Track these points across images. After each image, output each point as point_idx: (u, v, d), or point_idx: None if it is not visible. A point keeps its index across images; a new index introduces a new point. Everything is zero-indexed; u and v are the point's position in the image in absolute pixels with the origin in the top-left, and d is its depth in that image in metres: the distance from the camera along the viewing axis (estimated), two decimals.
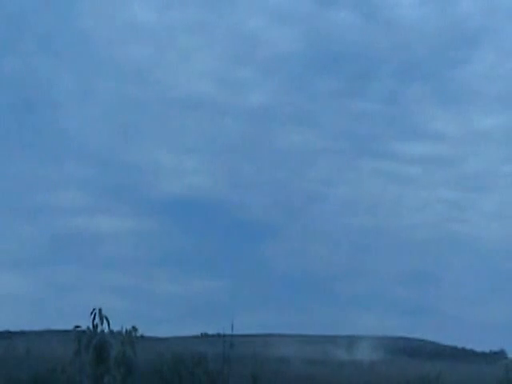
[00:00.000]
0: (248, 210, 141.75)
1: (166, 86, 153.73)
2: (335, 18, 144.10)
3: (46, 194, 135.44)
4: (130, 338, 18.20)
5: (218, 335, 66.16)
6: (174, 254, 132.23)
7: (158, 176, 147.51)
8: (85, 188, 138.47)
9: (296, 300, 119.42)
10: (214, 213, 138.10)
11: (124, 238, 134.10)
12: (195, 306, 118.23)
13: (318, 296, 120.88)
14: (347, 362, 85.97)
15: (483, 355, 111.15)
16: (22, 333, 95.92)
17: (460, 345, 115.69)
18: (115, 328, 18.71)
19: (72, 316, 60.65)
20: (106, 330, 18.57)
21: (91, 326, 18.38)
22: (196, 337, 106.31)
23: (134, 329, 18.39)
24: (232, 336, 42.99)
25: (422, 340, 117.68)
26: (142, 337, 19.34)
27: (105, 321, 18.47)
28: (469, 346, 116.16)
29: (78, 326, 18.39)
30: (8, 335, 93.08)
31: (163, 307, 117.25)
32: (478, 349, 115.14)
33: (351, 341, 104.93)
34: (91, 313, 18.45)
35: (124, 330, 18.62)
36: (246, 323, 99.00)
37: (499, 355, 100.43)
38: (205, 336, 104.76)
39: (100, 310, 18.32)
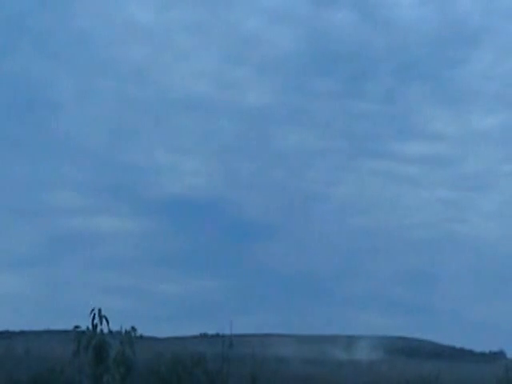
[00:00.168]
0: (246, 210, 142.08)
1: (164, 86, 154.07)
2: (333, 17, 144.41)
3: (44, 193, 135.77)
4: (129, 338, 18.27)
5: (217, 335, 66.31)
6: (173, 254, 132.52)
7: (156, 176, 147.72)
8: (84, 188, 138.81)
9: (295, 300, 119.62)
10: (212, 213, 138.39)
11: (123, 238, 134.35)
12: (194, 306, 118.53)
13: (317, 296, 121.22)
14: (346, 362, 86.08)
15: (482, 355, 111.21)
16: (22, 333, 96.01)
17: (459, 345, 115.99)
18: (114, 328, 18.77)
19: (71, 316, 60.70)
20: (106, 330, 18.64)
21: (91, 326, 18.45)
22: (195, 337, 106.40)
23: (133, 329, 18.46)
24: (231, 336, 43.01)
25: (421, 340, 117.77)
26: (141, 337, 19.39)
27: (104, 321, 18.54)
28: (468, 346, 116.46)
29: (77, 327, 18.46)
30: (7, 335, 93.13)
31: (162, 307, 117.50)
32: (477, 349, 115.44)
33: (350, 341, 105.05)
34: (90, 313, 18.53)
35: (123, 331, 18.69)
36: (245, 323, 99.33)
37: (498, 355, 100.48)
38: (204, 336, 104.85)
39: (99, 310, 18.39)
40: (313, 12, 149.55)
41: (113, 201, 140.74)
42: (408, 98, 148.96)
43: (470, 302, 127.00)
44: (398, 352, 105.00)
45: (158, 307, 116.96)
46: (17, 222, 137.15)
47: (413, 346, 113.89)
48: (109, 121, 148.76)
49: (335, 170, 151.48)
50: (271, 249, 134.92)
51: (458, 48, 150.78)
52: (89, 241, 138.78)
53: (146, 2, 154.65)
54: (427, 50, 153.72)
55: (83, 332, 18.19)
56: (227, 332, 42.24)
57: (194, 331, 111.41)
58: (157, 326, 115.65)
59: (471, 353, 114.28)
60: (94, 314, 18.23)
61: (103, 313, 18.33)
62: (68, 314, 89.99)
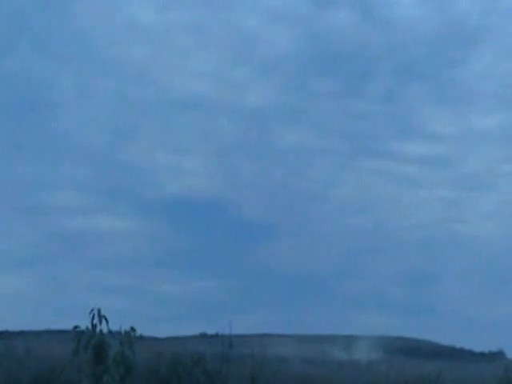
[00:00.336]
0: (246, 210, 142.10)
1: (163, 86, 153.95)
2: (333, 17, 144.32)
3: (44, 193, 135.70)
4: (129, 338, 18.33)
5: (217, 335, 66.40)
6: (173, 254, 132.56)
7: (156, 176, 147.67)
8: (83, 188, 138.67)
9: (294, 300, 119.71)
10: (212, 213, 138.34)
11: (123, 237, 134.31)
12: (194, 306, 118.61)
13: (316, 296, 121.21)
14: (345, 362, 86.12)
15: (482, 355, 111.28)
16: (22, 333, 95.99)
17: (458, 345, 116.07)
18: (114, 328, 18.85)
19: (71, 316, 60.84)
20: (105, 330, 18.71)
21: (90, 326, 18.52)
22: (195, 337, 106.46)
23: (133, 329, 18.52)
24: (231, 336, 43.05)
25: (421, 340, 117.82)
26: (140, 337, 19.45)
27: (103, 321, 18.61)
28: (467, 346, 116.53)
29: (77, 327, 18.53)
30: (7, 335, 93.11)
31: (162, 307, 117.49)
32: (477, 349, 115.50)
33: (349, 340, 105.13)
34: (90, 313, 18.60)
35: (123, 331, 18.76)
36: (245, 323, 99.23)
37: (498, 356, 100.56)
38: (203, 336, 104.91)
39: (99, 310, 18.46)
40: (313, 12, 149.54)
41: (113, 200, 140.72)
42: (408, 98, 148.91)
43: (470, 302, 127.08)
44: (397, 352, 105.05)
45: (158, 307, 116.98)
46: (16, 222, 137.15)
47: (412, 345, 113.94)
48: (109, 120, 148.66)
49: (335, 169, 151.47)
50: (271, 249, 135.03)
51: (458, 48, 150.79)
52: (89, 240, 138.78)
53: (146, 1, 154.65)
54: (427, 50, 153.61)
55: (82, 332, 18.27)
56: (227, 332, 42.29)
57: (194, 331, 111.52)
58: (157, 325, 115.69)
59: (471, 353, 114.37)
60: (94, 314, 18.31)
61: (103, 313, 18.42)
62: (68, 313, 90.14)
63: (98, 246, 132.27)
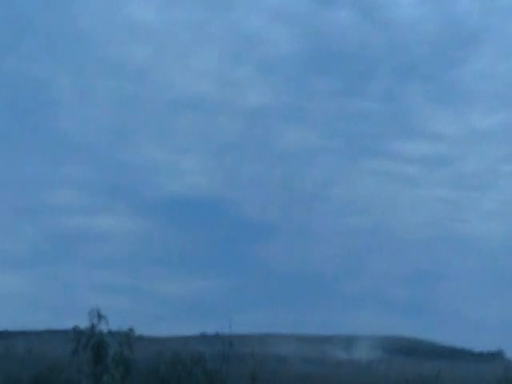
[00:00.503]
0: (246, 209, 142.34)
1: (164, 86, 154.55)
2: (334, 17, 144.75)
3: (44, 193, 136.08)
4: (128, 338, 18.46)
5: (217, 335, 66.46)
6: (172, 254, 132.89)
7: (156, 175, 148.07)
8: (83, 188, 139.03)
9: (294, 300, 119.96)
10: (212, 212, 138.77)
11: (122, 237, 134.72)
12: (194, 306, 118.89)
13: (316, 295, 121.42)
14: (345, 361, 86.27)
15: (481, 355, 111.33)
16: (22, 332, 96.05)
17: (458, 345, 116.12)
18: (114, 327, 18.97)
19: (71, 316, 60.97)
20: (104, 329, 18.83)
21: (89, 326, 18.65)
22: (195, 336, 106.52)
23: (131, 330, 18.65)
24: (230, 336, 43.15)
25: (420, 340, 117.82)
26: (140, 337, 19.59)
27: (103, 320, 18.73)
28: (467, 346, 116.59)
29: (76, 327, 18.66)
30: (7, 335, 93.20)
31: (162, 307, 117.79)
32: (476, 349, 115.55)
33: (349, 340, 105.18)
34: (89, 312, 18.73)
35: (122, 331, 18.88)
36: (245, 323, 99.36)
37: (497, 355, 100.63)
38: (203, 336, 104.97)
39: (98, 310, 18.58)
40: (313, 12, 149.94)
41: (112, 200, 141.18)
42: (408, 98, 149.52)
43: (470, 302, 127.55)
44: (397, 351, 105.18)
45: (158, 307, 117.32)
46: (17, 222, 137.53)
47: (412, 345, 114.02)
48: (109, 120, 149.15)
49: (336, 169, 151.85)
50: (271, 248, 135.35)
51: (458, 48, 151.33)
52: (88, 240, 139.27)
53: (146, 1, 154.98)
54: (427, 50, 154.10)
55: (82, 332, 18.35)
56: (227, 331, 42.41)
57: (194, 331, 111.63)
58: (157, 325, 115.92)
59: (470, 353, 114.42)
60: (93, 314, 18.39)
61: (103, 312, 18.53)
62: (68, 313, 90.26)
63: (98, 246, 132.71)
